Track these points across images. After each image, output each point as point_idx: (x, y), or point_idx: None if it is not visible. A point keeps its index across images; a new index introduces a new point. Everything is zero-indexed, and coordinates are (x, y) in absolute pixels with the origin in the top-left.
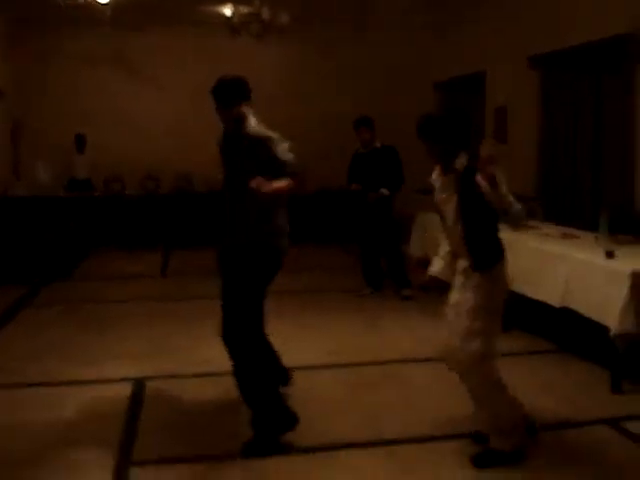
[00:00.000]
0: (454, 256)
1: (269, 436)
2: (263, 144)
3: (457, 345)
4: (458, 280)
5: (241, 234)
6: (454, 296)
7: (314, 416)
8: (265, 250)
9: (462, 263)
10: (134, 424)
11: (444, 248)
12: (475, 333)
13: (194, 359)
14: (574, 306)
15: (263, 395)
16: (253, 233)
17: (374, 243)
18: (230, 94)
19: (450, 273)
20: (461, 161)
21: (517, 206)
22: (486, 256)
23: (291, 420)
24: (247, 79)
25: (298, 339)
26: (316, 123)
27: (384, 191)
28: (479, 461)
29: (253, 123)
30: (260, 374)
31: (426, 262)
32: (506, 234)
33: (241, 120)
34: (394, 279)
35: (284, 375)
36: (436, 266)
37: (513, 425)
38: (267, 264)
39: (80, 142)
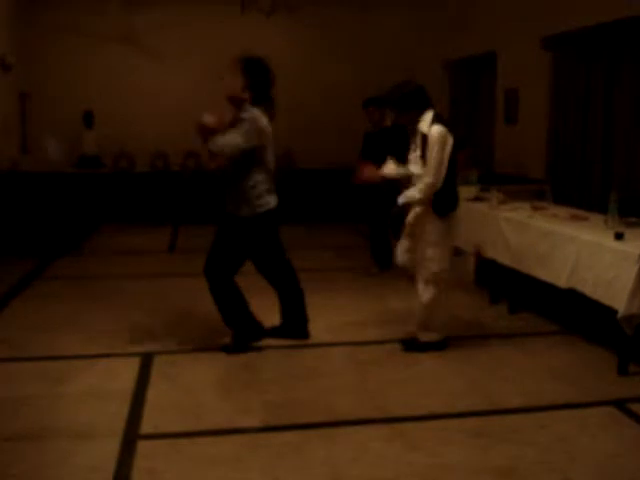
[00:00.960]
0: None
1: (242, 344)
2: None
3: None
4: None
5: (227, 200)
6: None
7: (319, 392)
8: (237, 214)
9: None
10: (142, 399)
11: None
12: (433, 259)
13: (200, 333)
14: (581, 287)
15: (236, 315)
16: (229, 199)
17: (383, 222)
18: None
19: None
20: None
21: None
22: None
23: (259, 332)
24: None
25: None
26: (325, 103)
27: None
28: (408, 346)
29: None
30: (231, 301)
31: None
32: (515, 214)
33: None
34: None
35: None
36: (401, 257)
37: (438, 325)
38: (240, 225)
39: (88, 118)
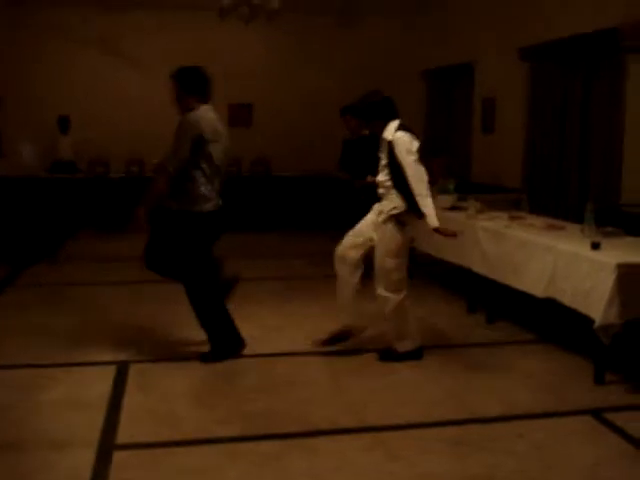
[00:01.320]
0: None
1: (220, 353)
2: None
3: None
4: (377, 216)
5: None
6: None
7: (297, 402)
8: (183, 212)
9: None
10: (118, 408)
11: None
12: (394, 269)
13: (176, 341)
14: (558, 297)
15: (214, 320)
16: (172, 199)
17: None
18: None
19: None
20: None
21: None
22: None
23: (238, 343)
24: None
25: (281, 325)
26: (303, 110)
27: (370, 178)
28: (384, 356)
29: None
30: (209, 304)
31: None
32: (492, 223)
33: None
34: None
35: (238, 342)
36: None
37: (411, 332)
38: (188, 225)
39: (64, 123)
